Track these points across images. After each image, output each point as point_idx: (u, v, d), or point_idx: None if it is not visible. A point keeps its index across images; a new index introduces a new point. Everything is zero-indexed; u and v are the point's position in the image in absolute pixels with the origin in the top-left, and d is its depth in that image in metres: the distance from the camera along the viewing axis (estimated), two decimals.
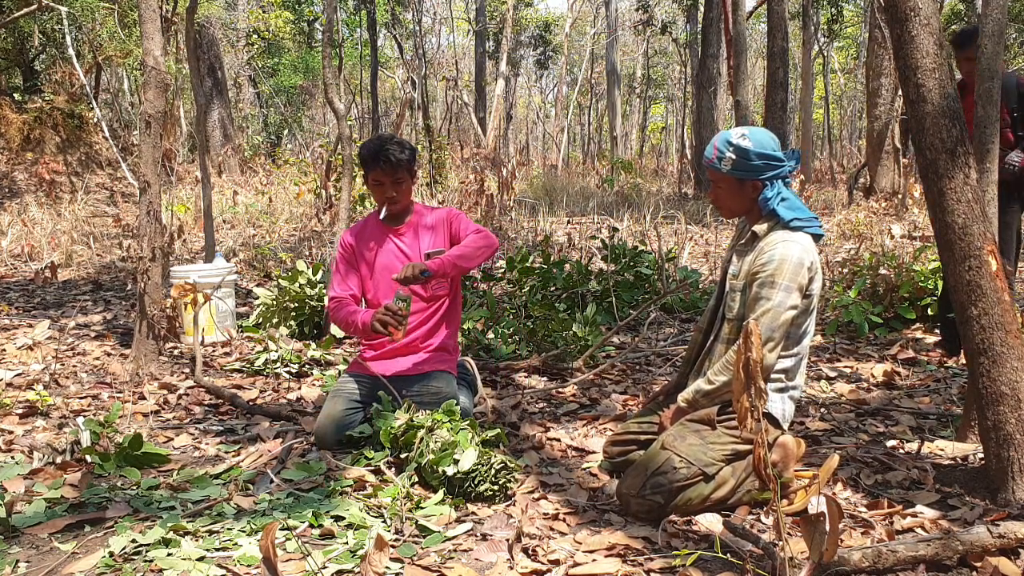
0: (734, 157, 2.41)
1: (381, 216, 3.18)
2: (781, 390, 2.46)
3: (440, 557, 2.12)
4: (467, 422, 2.69)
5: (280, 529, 2.24)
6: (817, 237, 2.46)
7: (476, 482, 2.45)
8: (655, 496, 2.30)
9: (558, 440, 3.06)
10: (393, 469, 2.67)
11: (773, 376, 2.44)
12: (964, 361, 3.05)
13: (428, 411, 2.75)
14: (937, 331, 4.51)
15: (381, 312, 2.87)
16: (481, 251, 3.07)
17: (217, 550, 2.15)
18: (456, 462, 2.46)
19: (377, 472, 2.67)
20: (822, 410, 3.35)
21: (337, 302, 3.16)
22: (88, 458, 2.78)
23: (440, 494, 2.47)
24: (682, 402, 2.48)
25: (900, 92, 6.30)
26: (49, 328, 4.87)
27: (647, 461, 2.37)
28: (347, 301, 3.15)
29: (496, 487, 2.46)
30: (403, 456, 2.69)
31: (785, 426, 2.46)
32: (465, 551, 2.17)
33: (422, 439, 2.60)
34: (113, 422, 2.99)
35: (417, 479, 2.58)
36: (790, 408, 2.48)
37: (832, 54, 25.57)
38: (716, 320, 2.61)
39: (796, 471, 2.45)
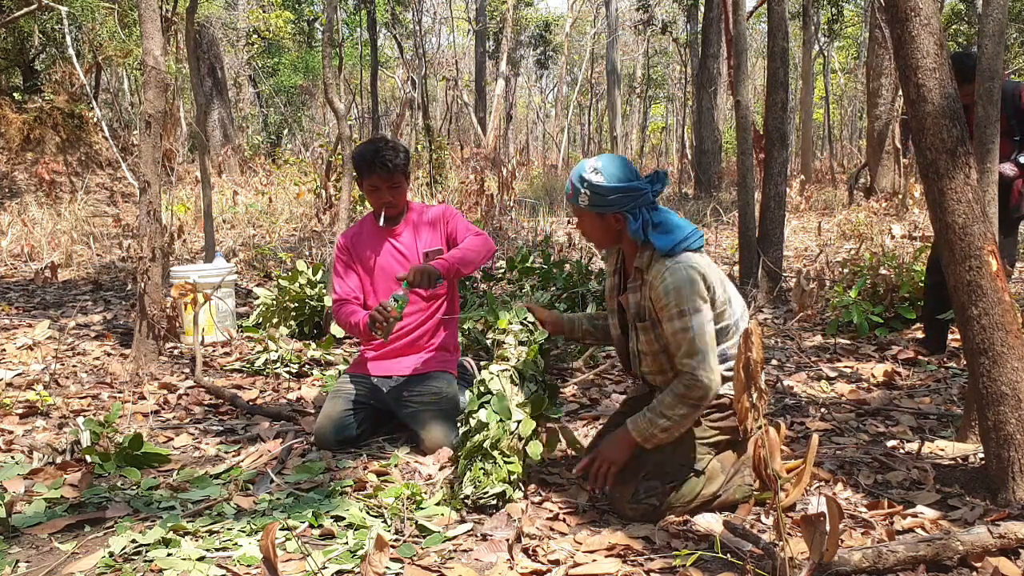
0: (589, 193, 2.33)
1: (380, 222, 3.16)
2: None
3: (440, 557, 2.12)
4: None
5: (280, 529, 2.24)
6: (698, 249, 2.37)
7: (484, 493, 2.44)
8: (649, 499, 2.31)
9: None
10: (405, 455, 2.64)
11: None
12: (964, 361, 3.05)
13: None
14: (920, 330, 4.52)
15: (375, 309, 2.85)
16: (481, 254, 3.08)
17: (217, 550, 2.15)
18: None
19: (378, 463, 2.67)
20: (822, 410, 3.35)
21: (340, 303, 3.15)
22: (88, 458, 2.78)
23: (440, 494, 2.47)
24: (637, 436, 2.32)
25: (900, 92, 6.30)
26: (49, 328, 4.87)
27: (636, 466, 2.37)
28: (349, 302, 3.15)
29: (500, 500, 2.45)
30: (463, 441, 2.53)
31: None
32: (465, 551, 2.16)
33: (483, 469, 2.44)
34: (113, 422, 2.99)
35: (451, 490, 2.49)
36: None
37: (832, 54, 25.57)
38: (629, 356, 2.54)
39: (787, 464, 2.45)
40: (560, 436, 2.75)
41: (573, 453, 2.94)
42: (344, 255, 3.23)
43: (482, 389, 2.50)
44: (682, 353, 2.28)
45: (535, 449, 2.45)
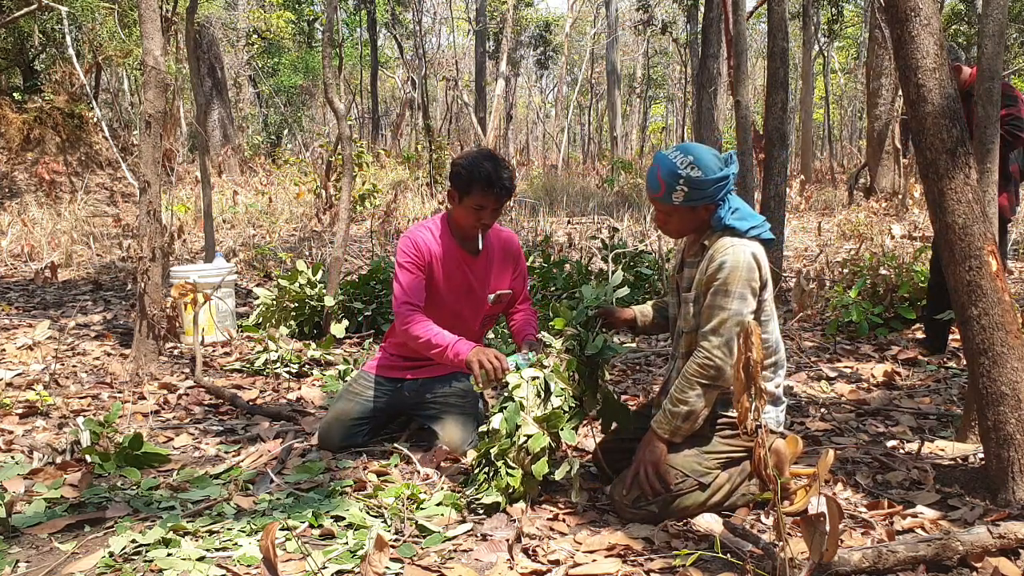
0: (686, 189, 2.26)
1: (479, 246, 2.90)
2: (773, 401, 2.44)
3: (440, 557, 2.12)
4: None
5: (280, 529, 2.24)
6: (767, 242, 2.34)
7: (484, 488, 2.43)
8: (650, 506, 2.30)
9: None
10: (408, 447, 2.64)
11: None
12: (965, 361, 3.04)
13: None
14: (921, 330, 4.53)
15: (491, 359, 2.58)
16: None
17: (217, 550, 2.15)
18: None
19: (380, 470, 2.67)
20: (822, 410, 3.35)
21: (412, 309, 2.83)
22: (88, 458, 2.78)
23: (440, 495, 2.47)
24: (662, 433, 2.30)
25: (900, 92, 6.31)
26: (49, 328, 4.86)
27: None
28: (420, 310, 2.84)
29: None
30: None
31: (780, 430, 2.45)
32: (465, 551, 2.16)
33: (486, 475, 2.45)
34: (113, 422, 2.99)
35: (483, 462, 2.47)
36: (783, 415, 2.48)
37: (832, 54, 25.58)
38: (675, 336, 2.51)
39: (795, 470, 2.45)
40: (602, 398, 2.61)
41: (573, 453, 2.95)
42: (419, 259, 2.87)
43: (506, 393, 2.46)
44: (708, 328, 2.25)
45: (540, 468, 2.37)
